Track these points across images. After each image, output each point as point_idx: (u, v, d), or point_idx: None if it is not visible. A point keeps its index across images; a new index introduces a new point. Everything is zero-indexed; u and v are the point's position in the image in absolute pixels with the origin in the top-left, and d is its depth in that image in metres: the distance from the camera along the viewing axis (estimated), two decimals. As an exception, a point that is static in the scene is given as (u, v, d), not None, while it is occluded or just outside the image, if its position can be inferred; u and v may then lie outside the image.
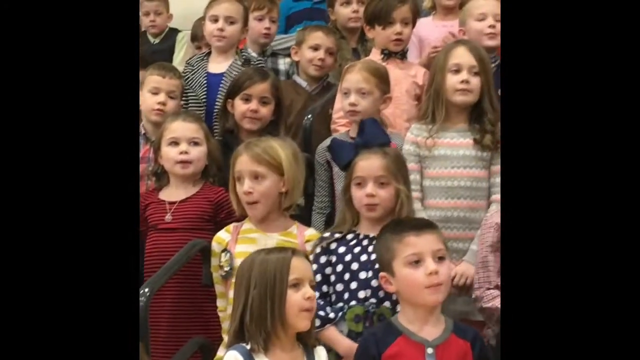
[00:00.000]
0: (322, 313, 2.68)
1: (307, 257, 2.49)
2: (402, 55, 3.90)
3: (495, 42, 3.74)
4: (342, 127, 3.68)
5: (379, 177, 2.79)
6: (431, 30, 4.13)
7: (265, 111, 3.58)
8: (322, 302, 2.70)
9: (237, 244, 2.87)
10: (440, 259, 2.42)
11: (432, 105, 3.29)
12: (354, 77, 3.47)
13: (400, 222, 2.59)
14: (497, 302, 2.83)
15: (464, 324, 2.70)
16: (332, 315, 2.71)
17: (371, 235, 2.78)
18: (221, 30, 4.05)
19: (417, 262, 2.40)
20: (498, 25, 3.74)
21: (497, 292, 2.86)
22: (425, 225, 2.51)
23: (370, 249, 2.76)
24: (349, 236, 2.82)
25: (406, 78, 3.78)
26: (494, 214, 2.97)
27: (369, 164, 2.80)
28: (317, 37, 4.13)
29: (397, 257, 2.42)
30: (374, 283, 2.70)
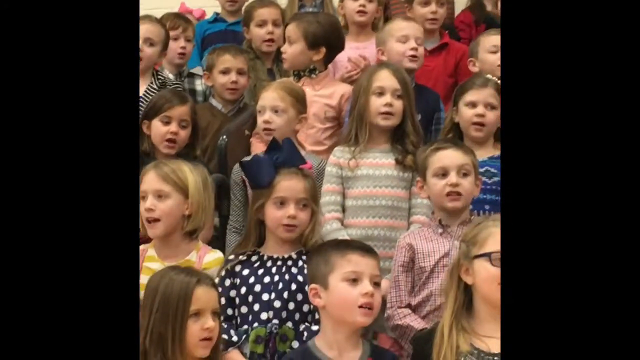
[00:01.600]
0: (225, 336, 2.68)
1: (212, 283, 2.50)
2: (310, 74, 3.87)
3: (417, 64, 3.81)
4: (259, 149, 3.69)
5: (301, 199, 2.81)
6: (344, 51, 4.17)
7: (184, 134, 3.57)
8: (226, 326, 2.70)
9: (141, 273, 2.81)
10: (376, 284, 2.45)
11: (356, 127, 3.34)
12: (270, 95, 3.49)
13: (344, 241, 2.64)
14: (408, 320, 2.89)
15: (382, 347, 2.76)
16: (235, 338, 2.72)
17: (275, 256, 2.81)
18: (140, 51, 4.03)
19: (355, 280, 2.42)
20: (420, 49, 3.81)
21: (408, 311, 2.92)
22: (369, 250, 2.54)
23: (274, 270, 2.78)
24: (253, 258, 2.83)
25: (317, 100, 3.79)
26: (407, 235, 3.02)
27: (292, 185, 2.82)
28: (226, 60, 4.10)
29: (336, 271, 2.43)
30: (276, 304, 2.72)
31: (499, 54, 3.83)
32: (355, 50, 4.08)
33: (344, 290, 2.40)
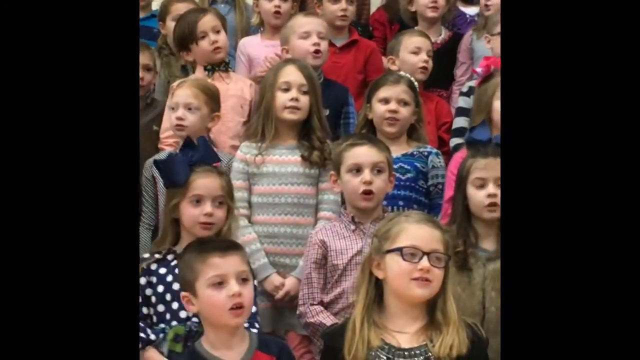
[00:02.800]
0: (143, 335, 2.63)
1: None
2: (226, 68, 3.88)
3: (320, 61, 3.78)
4: (169, 146, 3.65)
5: (217, 197, 2.77)
6: (260, 49, 4.13)
7: None
8: (142, 324, 2.65)
9: None
10: (244, 280, 2.40)
11: (262, 123, 3.32)
12: (183, 92, 3.46)
13: (203, 242, 2.56)
14: (320, 318, 2.88)
15: (270, 336, 2.74)
16: (152, 336, 2.67)
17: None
18: None
19: (220, 283, 2.37)
20: (323, 44, 3.79)
21: (321, 309, 2.91)
22: (229, 247, 2.47)
23: None
24: (170, 256, 2.78)
25: (232, 94, 3.77)
26: (319, 231, 3.00)
27: (208, 182, 2.77)
28: None
29: (200, 278, 2.38)
30: (195, 302, 2.68)
31: (421, 55, 3.89)
32: (272, 48, 4.05)
33: (211, 297, 2.35)
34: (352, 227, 2.96)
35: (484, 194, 2.77)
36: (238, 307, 2.35)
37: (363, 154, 2.97)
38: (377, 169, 2.95)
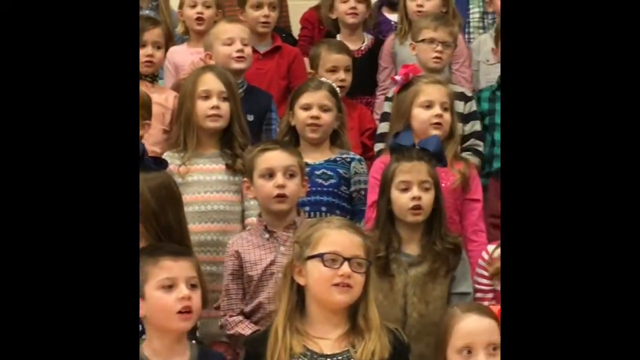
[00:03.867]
0: None
1: None
2: (153, 78, 3.87)
3: (245, 64, 3.80)
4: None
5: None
6: (186, 57, 4.12)
7: None
8: None
9: None
10: (193, 286, 2.39)
11: (184, 132, 3.30)
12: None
13: (157, 246, 2.54)
14: (239, 329, 2.88)
15: (210, 349, 2.73)
16: None
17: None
18: None
19: (170, 286, 2.36)
20: (247, 50, 3.80)
21: (240, 319, 2.91)
22: (181, 252, 2.48)
23: None
24: None
25: (155, 102, 3.71)
26: (234, 242, 2.99)
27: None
28: None
29: (150, 280, 2.37)
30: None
31: (338, 74, 3.92)
32: (197, 55, 4.04)
33: (160, 299, 2.34)
34: (266, 235, 2.95)
35: (408, 197, 2.81)
36: (187, 311, 2.34)
37: (274, 158, 2.97)
38: (289, 173, 2.95)
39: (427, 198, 2.82)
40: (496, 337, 2.31)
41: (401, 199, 2.82)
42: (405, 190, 2.81)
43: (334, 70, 3.95)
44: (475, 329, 2.35)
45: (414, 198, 2.80)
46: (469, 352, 2.33)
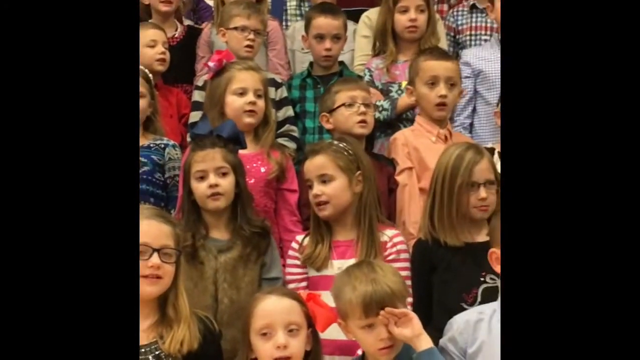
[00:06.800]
0: None
1: None
2: None
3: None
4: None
5: None
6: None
7: None
8: None
9: None
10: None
11: None
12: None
13: None
14: None
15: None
16: None
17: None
18: None
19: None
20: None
21: None
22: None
23: None
24: None
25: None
26: None
27: None
28: None
29: None
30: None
31: (157, 48, 3.88)
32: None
33: None
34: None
35: (205, 185, 2.83)
36: None
37: None
38: None
39: (225, 183, 2.85)
40: (296, 317, 2.38)
41: (199, 188, 2.85)
42: (202, 178, 2.84)
43: (152, 45, 3.87)
44: (273, 309, 2.40)
45: (210, 186, 2.83)
46: (269, 333, 2.37)
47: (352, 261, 2.78)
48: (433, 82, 3.38)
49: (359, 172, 2.94)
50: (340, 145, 2.99)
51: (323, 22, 3.89)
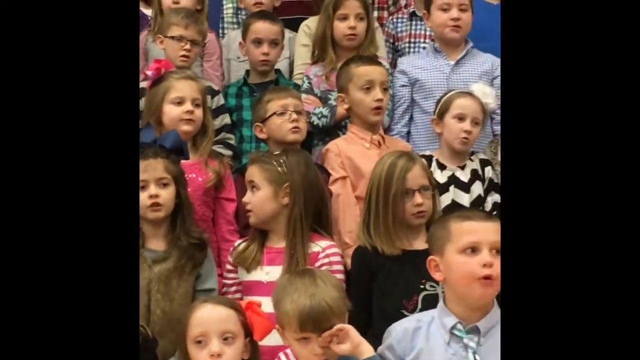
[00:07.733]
0: None
1: None
2: None
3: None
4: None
5: None
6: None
7: None
8: None
9: None
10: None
11: None
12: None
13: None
14: None
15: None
16: None
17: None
18: None
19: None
20: None
21: None
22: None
23: None
24: None
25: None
26: None
27: None
28: None
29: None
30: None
31: None
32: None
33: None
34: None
35: (146, 196, 2.81)
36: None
37: None
38: None
39: (166, 194, 2.83)
40: (231, 326, 2.38)
41: (140, 198, 2.80)
42: (143, 188, 2.81)
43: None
44: (208, 317, 2.40)
45: (151, 196, 2.81)
46: (203, 342, 2.36)
47: (280, 268, 2.83)
48: (369, 87, 3.39)
49: (286, 184, 2.94)
50: (273, 157, 3.01)
51: (261, 27, 3.91)
